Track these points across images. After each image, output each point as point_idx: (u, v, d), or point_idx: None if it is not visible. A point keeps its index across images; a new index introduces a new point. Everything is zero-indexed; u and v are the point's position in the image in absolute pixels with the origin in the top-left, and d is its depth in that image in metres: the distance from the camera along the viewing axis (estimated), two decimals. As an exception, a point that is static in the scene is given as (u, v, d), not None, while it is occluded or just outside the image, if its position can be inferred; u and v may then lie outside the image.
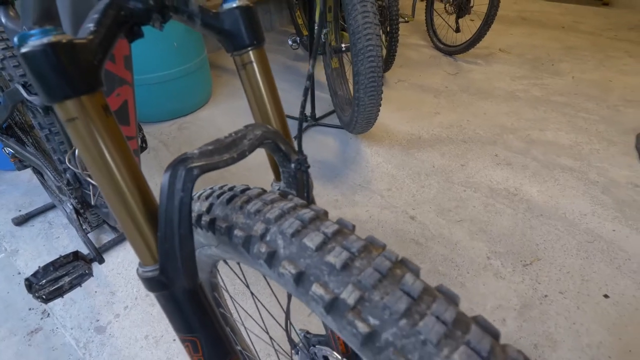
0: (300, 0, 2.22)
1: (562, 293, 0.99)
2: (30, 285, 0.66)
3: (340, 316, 0.23)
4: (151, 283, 0.31)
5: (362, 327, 0.22)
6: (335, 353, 0.48)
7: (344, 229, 0.28)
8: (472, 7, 2.18)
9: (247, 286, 0.46)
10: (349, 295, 0.23)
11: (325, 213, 0.31)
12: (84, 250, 0.88)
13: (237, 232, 0.30)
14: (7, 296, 1.05)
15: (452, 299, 0.23)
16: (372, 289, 0.23)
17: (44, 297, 0.70)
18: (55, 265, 0.69)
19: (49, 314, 1.00)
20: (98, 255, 0.86)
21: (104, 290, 1.05)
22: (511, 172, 1.40)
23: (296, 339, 0.53)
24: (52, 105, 0.27)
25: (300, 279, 0.26)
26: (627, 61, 2.21)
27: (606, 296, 0.97)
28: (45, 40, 0.25)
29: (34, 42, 0.25)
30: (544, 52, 2.37)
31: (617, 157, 1.45)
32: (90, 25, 0.29)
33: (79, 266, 0.73)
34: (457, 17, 2.27)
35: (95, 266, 1.12)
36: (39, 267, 0.69)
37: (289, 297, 0.48)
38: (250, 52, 0.38)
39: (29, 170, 1.52)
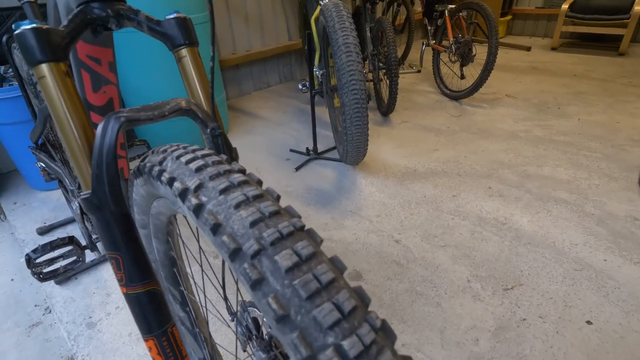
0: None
1: (542, 317, 0.95)
2: (29, 260, 0.76)
3: (240, 264, 0.26)
4: (86, 204, 0.40)
5: (254, 275, 0.25)
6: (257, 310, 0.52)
7: (265, 194, 0.31)
8: (474, 55, 2.31)
9: (200, 249, 0.53)
10: (250, 248, 0.26)
11: (255, 180, 0.35)
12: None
13: (177, 184, 0.33)
14: (20, 293, 1.16)
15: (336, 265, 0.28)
16: (271, 245, 0.26)
17: (40, 275, 0.78)
18: (52, 245, 0.78)
19: (50, 310, 1.09)
20: (91, 244, 0.95)
21: (102, 291, 1.13)
22: (503, 203, 1.40)
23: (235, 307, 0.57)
24: (31, 68, 0.40)
25: (217, 229, 0.28)
26: (639, 105, 2.20)
27: (589, 322, 0.92)
28: (30, 26, 0.39)
29: (24, 27, 0.39)
30: (551, 97, 2.41)
31: (617, 192, 1.42)
32: (65, 22, 0.45)
33: (73, 251, 0.82)
34: (462, 65, 2.39)
35: (98, 270, 1.21)
36: (39, 245, 0.78)
37: (223, 265, 0.54)
38: (184, 50, 0.51)
39: (58, 191, 1.71)
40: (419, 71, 3.07)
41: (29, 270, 0.83)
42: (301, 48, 3.02)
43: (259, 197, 0.30)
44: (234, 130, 2.24)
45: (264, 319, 0.53)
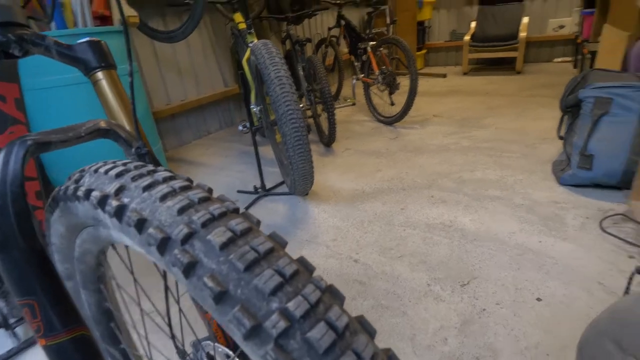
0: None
1: (499, 304, 1.00)
2: None
3: (170, 255, 0.25)
4: None
5: (186, 258, 0.24)
6: (215, 344, 0.50)
7: (195, 187, 0.31)
8: (399, 83, 2.53)
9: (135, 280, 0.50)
10: (179, 233, 0.25)
11: (185, 177, 0.33)
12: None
13: (95, 194, 0.31)
14: None
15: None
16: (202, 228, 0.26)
17: None
18: None
19: None
20: (5, 324, 0.85)
21: None
22: (446, 208, 1.50)
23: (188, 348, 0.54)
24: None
25: (142, 226, 0.27)
26: (540, 111, 2.53)
27: (539, 299, 0.99)
28: None
29: None
30: (470, 113, 2.69)
31: (538, 182, 1.59)
32: None
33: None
34: (390, 93, 2.60)
35: None
36: None
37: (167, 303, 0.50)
38: (100, 73, 0.49)
39: None
40: (353, 104, 3.28)
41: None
42: (238, 93, 3.10)
43: (186, 188, 0.28)
44: (177, 179, 2.18)
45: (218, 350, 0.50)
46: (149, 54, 2.47)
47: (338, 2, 2.91)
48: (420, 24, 4.47)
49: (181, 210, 0.26)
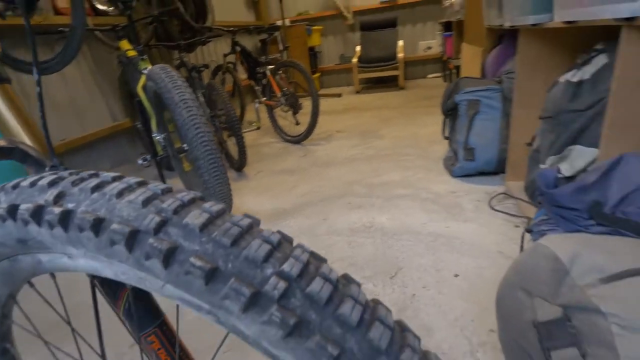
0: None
1: (425, 287, 1.09)
2: None
3: (143, 247, 0.23)
4: None
5: (165, 245, 0.22)
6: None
7: (150, 181, 0.28)
8: (301, 103, 2.64)
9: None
10: (150, 223, 0.23)
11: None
12: None
13: (24, 207, 0.27)
14: None
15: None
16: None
17: None
18: None
19: None
20: None
21: None
22: (363, 211, 1.59)
23: None
24: None
25: (99, 226, 0.24)
26: (425, 118, 2.89)
27: (456, 275, 1.11)
28: None
29: None
30: (368, 126, 2.93)
31: (435, 177, 1.80)
32: None
33: None
34: (294, 114, 2.69)
35: None
36: None
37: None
38: None
39: None
40: (258, 127, 3.29)
41: None
42: (130, 127, 2.86)
43: (143, 183, 0.27)
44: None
45: None
46: (14, 90, 2.14)
47: (231, 29, 2.94)
48: (311, 49, 4.76)
49: (146, 202, 0.24)
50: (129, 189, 0.25)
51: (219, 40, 3.99)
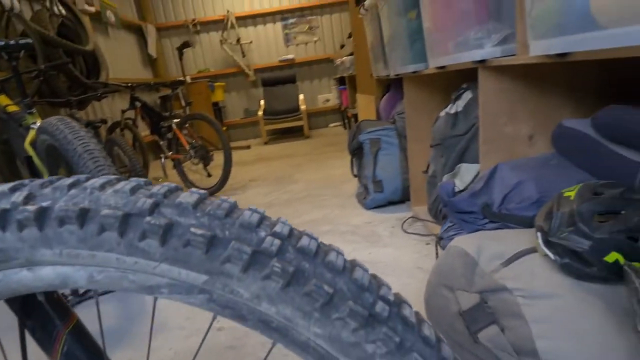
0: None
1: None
2: None
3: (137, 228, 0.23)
4: None
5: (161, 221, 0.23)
6: None
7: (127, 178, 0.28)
8: (212, 154, 2.61)
9: None
10: (143, 205, 0.24)
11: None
12: None
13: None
14: None
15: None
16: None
17: None
18: None
19: None
20: None
21: None
22: (289, 251, 1.60)
23: None
24: None
25: (85, 216, 0.24)
26: (332, 162, 3.10)
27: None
28: None
29: None
30: (281, 173, 3.02)
31: (351, 211, 1.92)
32: None
33: None
34: (205, 166, 2.64)
35: None
36: None
37: None
38: None
39: None
40: (165, 184, 3.11)
41: None
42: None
43: (122, 179, 0.27)
44: None
45: None
46: None
47: (129, 84, 2.84)
48: (215, 104, 4.81)
49: (133, 190, 0.24)
50: (110, 182, 0.25)
51: (116, 97, 3.79)
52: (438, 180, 1.32)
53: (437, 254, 1.04)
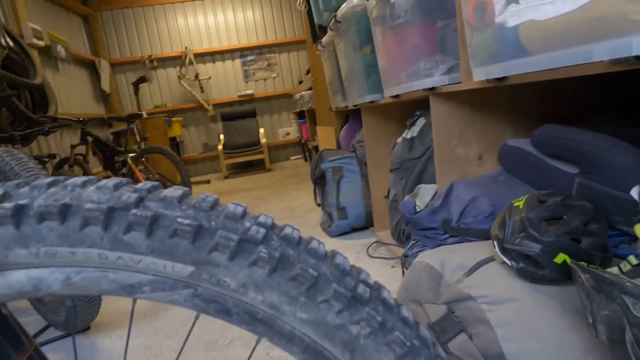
0: None
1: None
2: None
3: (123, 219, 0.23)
4: None
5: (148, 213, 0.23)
6: None
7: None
8: (170, 186, 2.53)
9: None
10: (128, 199, 0.24)
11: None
12: None
13: None
14: None
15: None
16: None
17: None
18: None
19: None
20: None
21: None
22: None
23: None
24: None
25: (67, 211, 0.23)
26: (295, 193, 3.11)
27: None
28: None
29: None
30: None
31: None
32: None
33: None
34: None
35: None
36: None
37: None
38: None
39: None
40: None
41: None
42: None
43: (101, 179, 0.27)
44: None
45: None
46: None
47: (80, 119, 2.73)
48: (173, 139, 4.71)
49: (117, 187, 0.24)
50: (91, 181, 0.25)
51: (65, 132, 3.60)
52: (399, 204, 1.37)
53: (403, 272, 1.06)
